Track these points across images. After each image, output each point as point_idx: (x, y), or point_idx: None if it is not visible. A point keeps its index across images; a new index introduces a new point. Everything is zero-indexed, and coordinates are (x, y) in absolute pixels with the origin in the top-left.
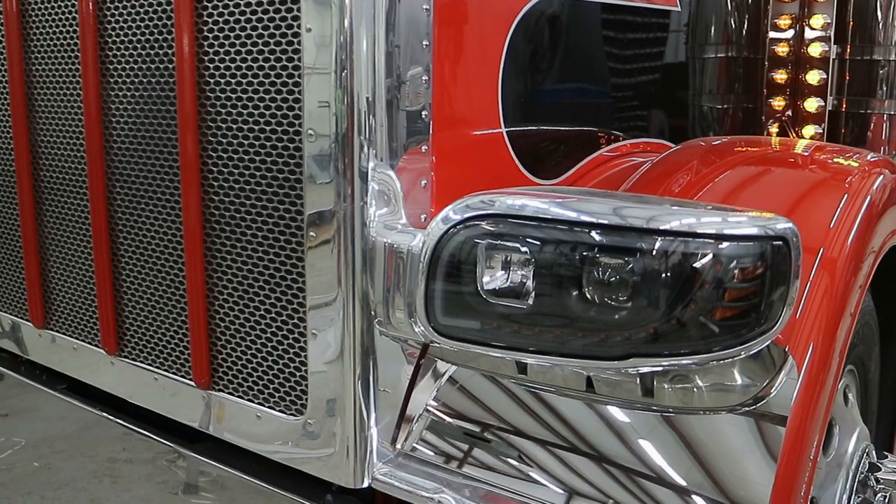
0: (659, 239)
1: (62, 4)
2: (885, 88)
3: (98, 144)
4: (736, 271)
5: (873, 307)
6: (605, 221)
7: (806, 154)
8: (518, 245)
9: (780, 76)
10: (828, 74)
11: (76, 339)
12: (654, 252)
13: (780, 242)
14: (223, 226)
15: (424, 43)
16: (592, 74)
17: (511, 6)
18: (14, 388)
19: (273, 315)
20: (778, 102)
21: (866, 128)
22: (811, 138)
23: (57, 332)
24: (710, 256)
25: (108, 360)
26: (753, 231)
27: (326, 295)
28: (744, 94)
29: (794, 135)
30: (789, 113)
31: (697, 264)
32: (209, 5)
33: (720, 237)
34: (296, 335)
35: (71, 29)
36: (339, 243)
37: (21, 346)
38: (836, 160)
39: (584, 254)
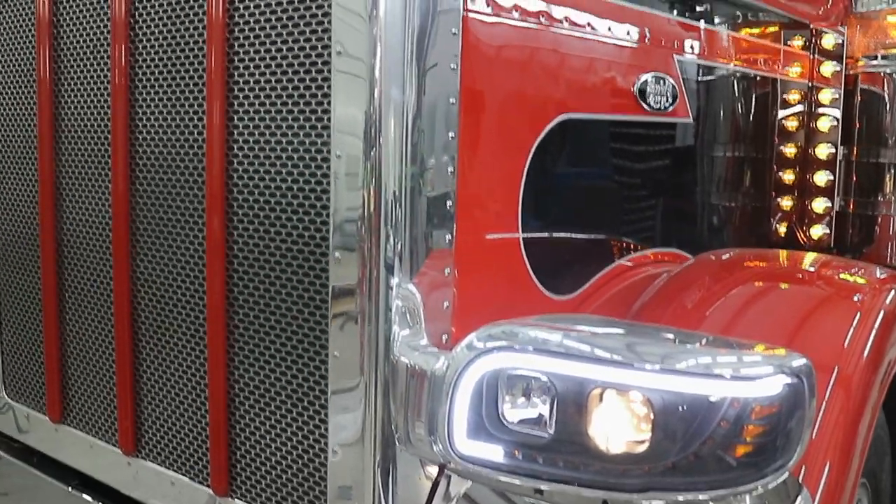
0: (676, 378)
1: (95, 80)
2: (892, 190)
3: (125, 243)
4: (753, 409)
5: (885, 419)
6: (621, 358)
7: (813, 270)
8: (539, 376)
9: (788, 177)
10: (835, 175)
11: (93, 436)
12: (672, 391)
13: (797, 380)
14: (247, 337)
15: (451, 135)
16: (611, 187)
17: (539, 122)
18: (15, 467)
19: (294, 429)
20: (786, 202)
21: (873, 229)
22: (819, 239)
23: (73, 427)
24: (727, 396)
25: (125, 461)
26: (769, 370)
27: (349, 414)
28: (752, 194)
29: (802, 235)
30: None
31: (715, 403)
32: (241, 95)
33: (737, 378)
34: (317, 450)
35: (103, 112)
36: (362, 366)
37: (36, 439)
38: (843, 276)
39: (603, 390)
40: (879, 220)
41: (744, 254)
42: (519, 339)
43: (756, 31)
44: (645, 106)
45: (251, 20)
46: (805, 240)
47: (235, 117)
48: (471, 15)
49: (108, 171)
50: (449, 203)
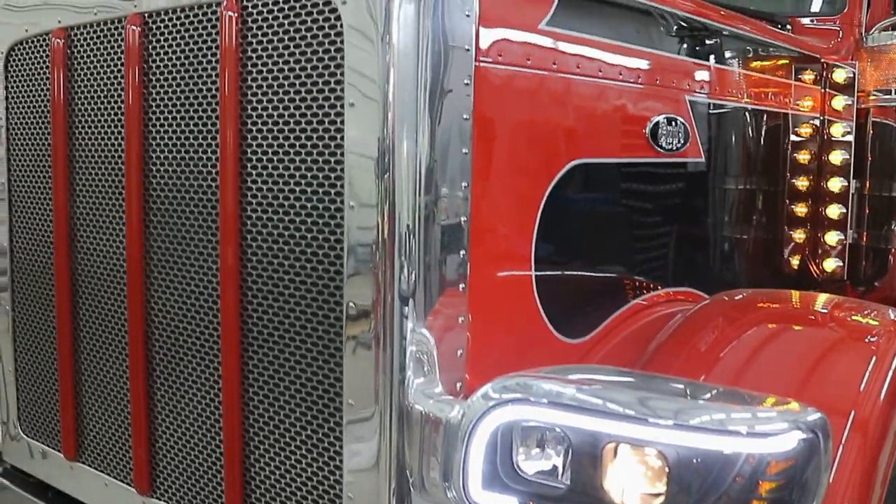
0: (691, 434)
1: (109, 110)
2: None
3: (139, 278)
4: (769, 465)
5: None
6: (634, 413)
7: (827, 312)
8: (553, 428)
9: (801, 210)
10: (847, 208)
11: (107, 474)
12: (685, 447)
13: (812, 435)
14: (261, 372)
15: (464, 184)
16: (624, 229)
17: (551, 167)
18: (29, 501)
19: (308, 475)
20: (798, 235)
21: (887, 261)
22: (832, 272)
23: (88, 465)
24: (743, 453)
25: (139, 500)
26: (784, 426)
27: (363, 458)
28: (765, 228)
29: (815, 268)
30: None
31: (730, 459)
32: (254, 122)
33: (752, 434)
34: (332, 482)
35: (117, 143)
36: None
37: (50, 475)
38: (856, 318)
39: (618, 444)
40: (893, 252)
41: (757, 295)
42: (533, 392)
43: (767, 65)
44: (657, 148)
45: (263, 54)
46: (818, 273)
47: (249, 149)
48: (482, 65)
49: (121, 206)
50: (462, 252)
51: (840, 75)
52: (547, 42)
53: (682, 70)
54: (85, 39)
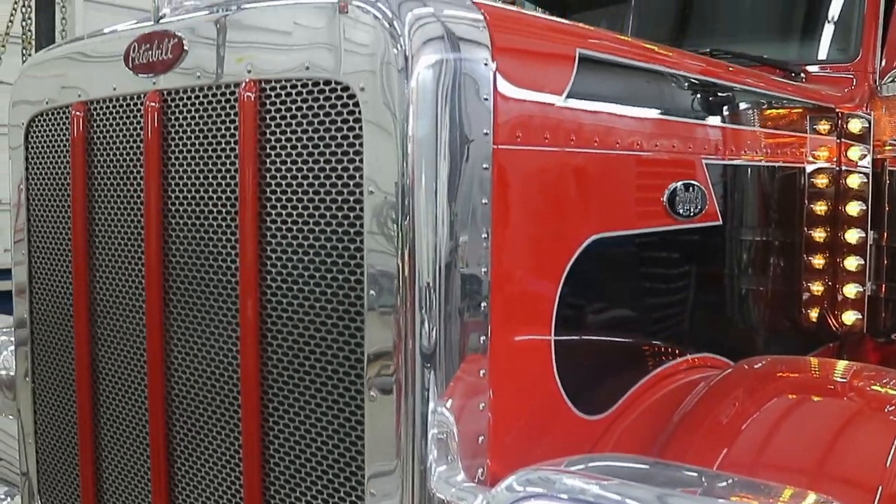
0: None
1: (128, 199)
2: None
3: (159, 367)
4: None
5: None
6: None
7: (845, 381)
8: None
9: (818, 262)
10: (866, 260)
11: None
12: None
13: None
14: (282, 467)
15: (483, 270)
16: (642, 298)
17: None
18: None
19: None
20: (816, 288)
21: None
22: (852, 324)
23: None
24: None
25: None
26: None
27: None
28: (783, 283)
29: (834, 321)
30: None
31: None
32: (273, 212)
33: None
34: None
35: (137, 233)
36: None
37: None
38: (876, 388)
39: None
40: None
41: (777, 364)
42: (556, 487)
43: (781, 119)
44: (674, 215)
45: (282, 137)
46: (837, 326)
47: (268, 232)
48: (501, 148)
49: (141, 282)
50: (483, 338)
51: (855, 125)
52: (565, 118)
53: (697, 133)
54: (105, 114)
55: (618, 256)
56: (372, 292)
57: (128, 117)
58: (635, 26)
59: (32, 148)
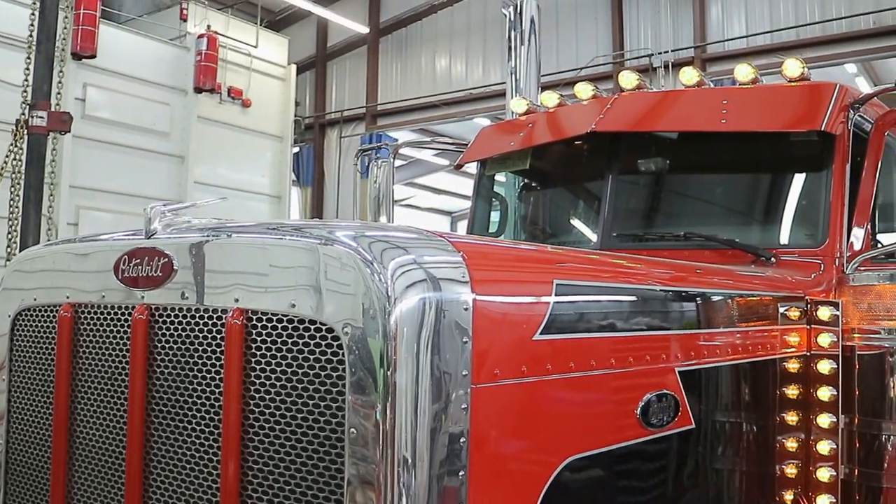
0: None
1: (111, 402)
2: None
3: None
4: None
5: None
6: None
7: None
8: None
9: (791, 446)
10: (837, 444)
11: None
12: None
13: None
14: None
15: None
16: None
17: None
18: None
19: None
20: (790, 471)
21: (878, 498)
22: None
23: None
24: None
25: None
26: None
27: None
28: (757, 471)
29: None
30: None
31: None
32: (255, 438)
33: None
34: None
35: (117, 447)
36: None
37: None
38: None
39: None
40: (884, 490)
41: None
42: None
43: (752, 313)
44: (647, 427)
45: (266, 368)
46: None
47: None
48: (479, 387)
49: (121, 487)
50: None
51: (824, 313)
52: (543, 350)
53: (670, 343)
54: (91, 318)
55: (594, 471)
56: None
57: (114, 325)
58: (611, 208)
59: (17, 340)
